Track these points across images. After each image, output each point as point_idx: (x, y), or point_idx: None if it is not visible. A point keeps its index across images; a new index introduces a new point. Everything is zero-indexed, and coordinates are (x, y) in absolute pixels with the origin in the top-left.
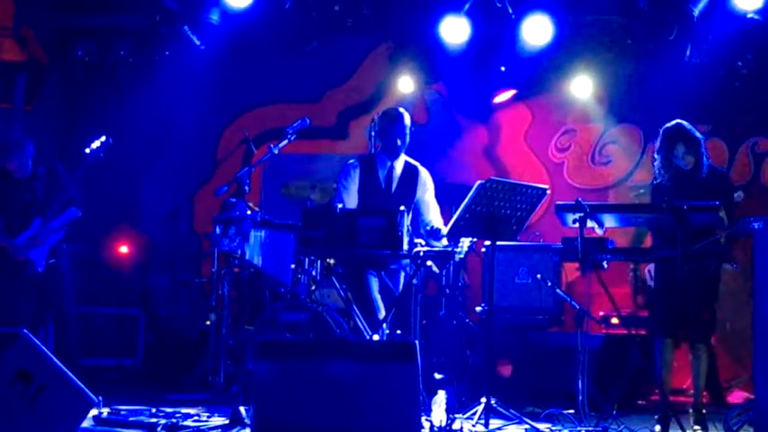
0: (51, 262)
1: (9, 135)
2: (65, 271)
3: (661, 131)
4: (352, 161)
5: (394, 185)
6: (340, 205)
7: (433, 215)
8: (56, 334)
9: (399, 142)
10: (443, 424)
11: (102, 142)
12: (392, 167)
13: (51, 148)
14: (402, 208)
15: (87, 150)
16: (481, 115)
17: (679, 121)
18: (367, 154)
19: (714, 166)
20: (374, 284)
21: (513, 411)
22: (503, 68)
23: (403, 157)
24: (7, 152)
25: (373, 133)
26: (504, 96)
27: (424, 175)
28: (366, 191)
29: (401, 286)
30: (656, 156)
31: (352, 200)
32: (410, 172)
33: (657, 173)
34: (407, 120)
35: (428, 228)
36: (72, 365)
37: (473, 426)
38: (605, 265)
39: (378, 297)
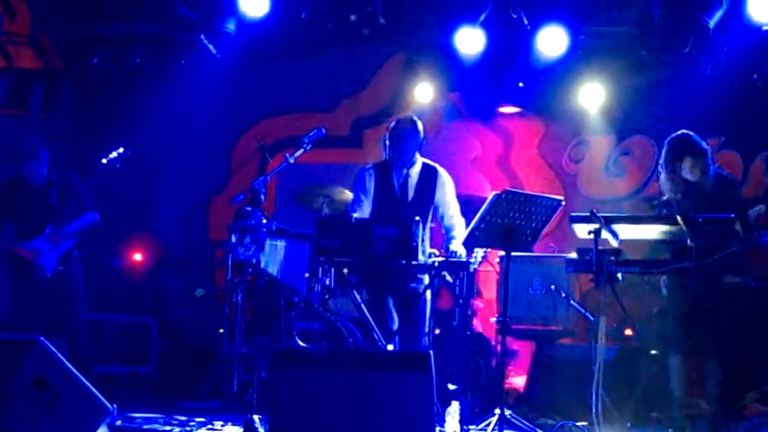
0: (60, 269)
1: (24, 142)
2: (77, 278)
3: (666, 143)
4: (368, 168)
5: (410, 193)
6: (356, 214)
7: (453, 213)
8: (69, 342)
9: (412, 150)
10: None
11: (118, 153)
12: (407, 175)
13: (67, 155)
14: (417, 218)
15: (104, 161)
16: (495, 126)
17: (685, 131)
18: (382, 161)
19: (722, 173)
20: (389, 296)
21: (526, 423)
22: (521, 84)
23: (420, 161)
24: (22, 159)
25: (387, 142)
26: (509, 110)
27: (443, 176)
28: (382, 199)
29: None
30: (660, 169)
31: (366, 207)
32: (428, 173)
33: (664, 188)
34: (421, 127)
35: (446, 228)
36: (85, 373)
37: None
38: (620, 277)
39: (392, 308)
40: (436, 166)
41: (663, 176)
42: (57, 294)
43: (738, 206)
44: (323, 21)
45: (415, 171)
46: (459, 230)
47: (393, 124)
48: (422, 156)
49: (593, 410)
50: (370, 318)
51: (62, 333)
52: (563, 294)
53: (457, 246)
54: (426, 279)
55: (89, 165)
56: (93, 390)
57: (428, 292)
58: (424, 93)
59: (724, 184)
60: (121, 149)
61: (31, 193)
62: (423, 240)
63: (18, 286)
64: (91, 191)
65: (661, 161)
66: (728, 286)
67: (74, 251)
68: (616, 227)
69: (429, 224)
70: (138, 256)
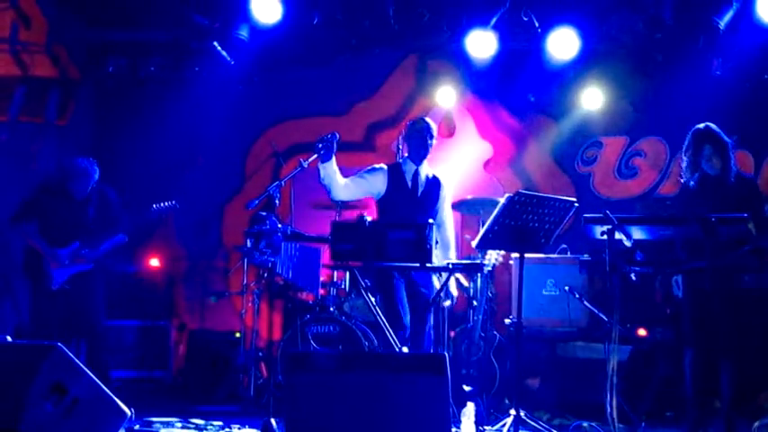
0: (66, 287)
1: (79, 161)
2: (97, 286)
3: (690, 132)
4: (381, 165)
5: (420, 189)
6: (369, 218)
7: (448, 225)
8: (88, 348)
9: (424, 148)
10: None
11: (170, 205)
12: (417, 172)
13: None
14: (431, 221)
15: (155, 206)
16: (507, 128)
17: (708, 123)
18: (395, 162)
19: (742, 174)
20: (402, 290)
21: (541, 423)
22: (532, 98)
23: (426, 165)
24: (75, 177)
25: (400, 144)
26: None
27: (446, 185)
28: (394, 195)
29: (433, 287)
30: (683, 157)
31: (356, 188)
32: (434, 179)
33: (684, 173)
34: (434, 128)
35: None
36: (103, 379)
37: None
38: (633, 278)
39: (405, 303)
40: (438, 175)
41: (684, 163)
42: (70, 306)
43: (757, 205)
44: (335, 26)
45: (424, 170)
46: (449, 238)
47: (408, 123)
48: (436, 159)
49: (608, 410)
50: (384, 320)
51: (80, 339)
52: (577, 295)
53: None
54: (437, 284)
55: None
56: (111, 394)
57: (442, 294)
58: (436, 96)
59: (744, 183)
60: (174, 202)
61: (70, 203)
62: (437, 243)
63: (35, 293)
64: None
65: (684, 148)
66: (746, 285)
67: (96, 267)
68: (629, 228)
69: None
70: (154, 262)
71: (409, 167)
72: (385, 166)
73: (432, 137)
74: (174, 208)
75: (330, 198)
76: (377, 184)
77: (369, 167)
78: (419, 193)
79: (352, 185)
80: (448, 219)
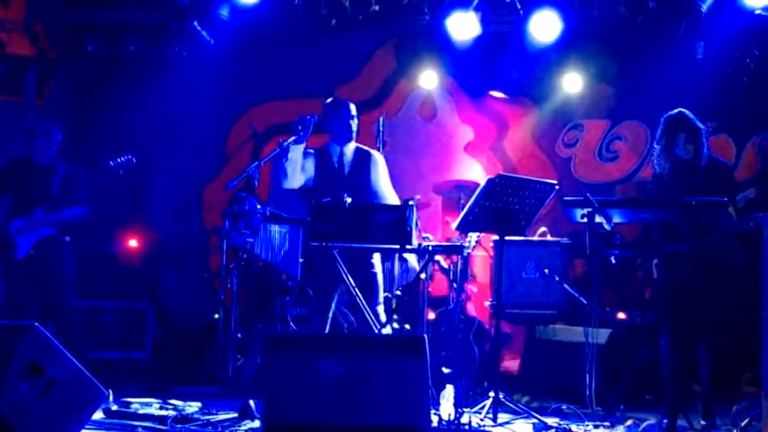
0: (32, 253)
1: (39, 122)
2: (66, 265)
3: (663, 119)
4: (309, 150)
5: (347, 169)
6: (349, 199)
7: (391, 201)
8: (58, 328)
9: (345, 128)
10: (452, 418)
11: (126, 160)
12: (342, 153)
13: (61, 143)
14: (411, 203)
15: (111, 163)
16: (489, 111)
17: (681, 109)
18: (320, 146)
19: (715, 158)
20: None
21: (520, 406)
22: (515, 75)
23: (353, 144)
24: (35, 135)
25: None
26: (502, 95)
27: (377, 159)
28: (323, 177)
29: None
30: (655, 145)
31: (301, 176)
32: (362, 156)
33: (657, 162)
34: (353, 108)
35: None
36: (80, 358)
37: (481, 420)
38: (613, 261)
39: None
40: (369, 149)
41: (656, 151)
42: (39, 278)
43: (729, 190)
44: (316, 6)
45: (350, 150)
46: None
47: (326, 105)
48: (416, 141)
49: (587, 393)
50: (363, 301)
51: (52, 320)
52: (557, 278)
53: None
54: (377, 264)
55: (90, 158)
56: (89, 375)
57: (422, 275)
58: (417, 79)
59: (716, 168)
60: (130, 156)
61: (34, 172)
62: (417, 224)
63: (5, 268)
64: (93, 189)
65: (656, 137)
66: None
67: (63, 237)
68: (609, 211)
69: None
70: (133, 243)
71: (334, 150)
72: (312, 150)
73: (352, 115)
74: (130, 162)
75: (281, 186)
76: (310, 168)
77: (303, 152)
78: (346, 173)
79: (300, 173)
80: (388, 193)
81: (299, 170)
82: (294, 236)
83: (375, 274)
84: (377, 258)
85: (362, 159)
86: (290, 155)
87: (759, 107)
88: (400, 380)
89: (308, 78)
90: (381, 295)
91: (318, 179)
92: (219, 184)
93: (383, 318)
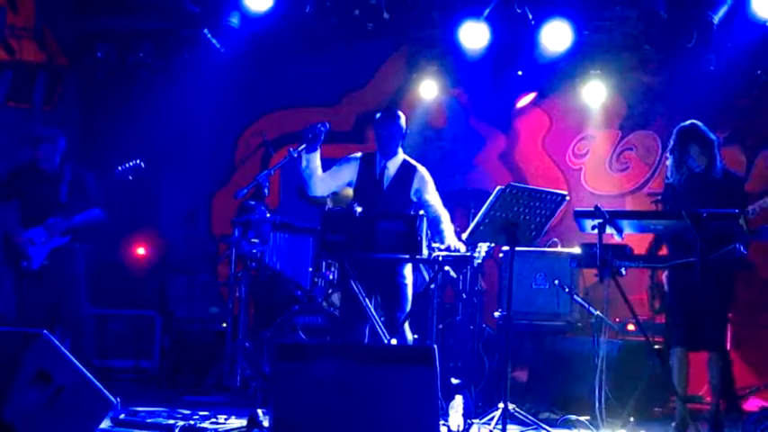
0: (46, 264)
1: (43, 129)
2: (78, 273)
3: (675, 131)
4: (356, 154)
5: (386, 184)
6: (359, 209)
7: (435, 204)
8: (70, 335)
9: (392, 141)
10: (461, 429)
11: (134, 165)
12: (385, 166)
13: (70, 149)
14: (421, 213)
15: (119, 168)
16: (499, 121)
17: (694, 121)
18: (371, 152)
19: (729, 170)
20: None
21: (530, 417)
22: (520, 72)
23: (400, 157)
24: (38, 141)
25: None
26: (526, 100)
27: (422, 174)
28: (363, 184)
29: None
30: (668, 155)
31: (332, 181)
32: (406, 171)
33: (670, 173)
34: (402, 120)
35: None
36: (87, 366)
37: (490, 431)
38: (623, 272)
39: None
40: (416, 165)
41: (670, 162)
42: (52, 288)
43: (741, 202)
44: (327, 15)
45: (394, 164)
46: (446, 222)
47: (376, 116)
48: (426, 150)
49: (596, 405)
50: (372, 311)
51: (64, 326)
52: (566, 289)
53: (451, 238)
54: (408, 275)
55: (99, 166)
56: (97, 383)
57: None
58: (427, 88)
59: (729, 180)
60: (138, 161)
61: (41, 180)
62: (427, 235)
63: (16, 278)
64: (102, 196)
65: (669, 148)
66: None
67: (75, 244)
68: (620, 222)
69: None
70: (141, 251)
71: (379, 161)
72: (359, 154)
73: (399, 128)
74: (138, 167)
75: (307, 193)
76: (350, 172)
77: (344, 157)
78: (384, 187)
79: (328, 179)
80: (437, 206)
81: (319, 177)
82: (304, 245)
83: (404, 285)
84: (408, 269)
85: (406, 174)
86: (304, 164)
87: None
88: (410, 390)
89: (318, 87)
90: (408, 307)
91: (359, 186)
92: (228, 192)
93: (409, 336)
